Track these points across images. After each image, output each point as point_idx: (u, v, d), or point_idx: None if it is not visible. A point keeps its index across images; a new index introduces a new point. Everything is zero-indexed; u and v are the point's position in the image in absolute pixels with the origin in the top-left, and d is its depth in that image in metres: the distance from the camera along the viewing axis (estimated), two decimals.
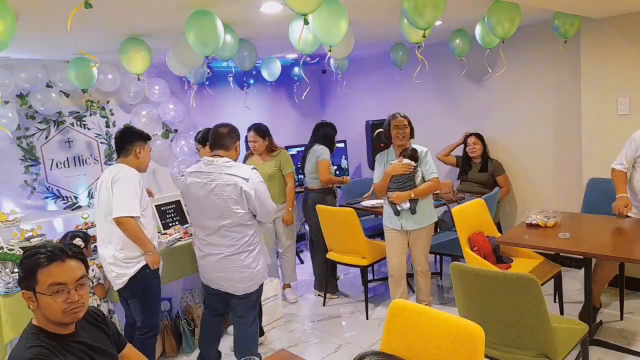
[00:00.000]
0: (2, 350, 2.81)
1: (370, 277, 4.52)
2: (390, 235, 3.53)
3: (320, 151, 4.22)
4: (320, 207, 3.96)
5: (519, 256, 3.45)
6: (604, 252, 2.68)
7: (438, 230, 4.69)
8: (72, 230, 3.26)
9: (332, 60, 4.37)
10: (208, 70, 3.92)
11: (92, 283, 3.02)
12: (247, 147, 4.25)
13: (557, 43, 4.03)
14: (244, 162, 4.20)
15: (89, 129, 4.45)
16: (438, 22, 3.59)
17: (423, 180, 3.43)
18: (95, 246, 3.05)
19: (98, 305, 3.00)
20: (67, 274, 1.50)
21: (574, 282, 4.05)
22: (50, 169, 4.24)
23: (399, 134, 3.39)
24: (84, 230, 3.34)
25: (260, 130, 4.05)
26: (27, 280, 1.48)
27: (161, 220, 3.82)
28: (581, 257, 2.88)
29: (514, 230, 3.36)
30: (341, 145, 5.93)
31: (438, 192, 4.43)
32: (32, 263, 1.48)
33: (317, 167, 4.19)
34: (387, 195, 3.45)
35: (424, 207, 3.44)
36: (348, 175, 5.62)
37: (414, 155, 3.37)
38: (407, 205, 3.35)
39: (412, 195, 3.34)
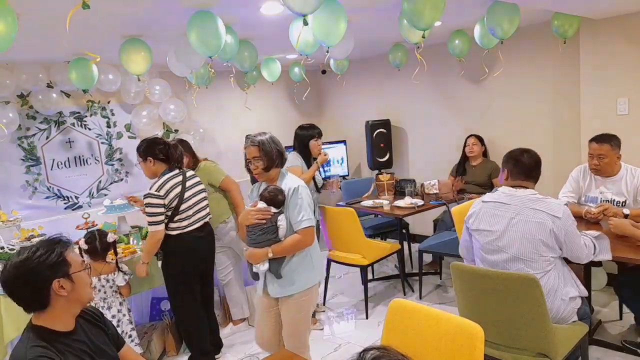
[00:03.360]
0: (2, 350, 2.82)
1: (370, 276, 4.53)
2: (257, 298, 2.60)
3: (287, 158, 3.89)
4: (321, 207, 3.97)
5: None
6: None
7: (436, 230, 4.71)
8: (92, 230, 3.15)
9: (332, 61, 4.38)
10: (212, 71, 3.91)
11: (124, 282, 3.03)
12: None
13: (556, 43, 4.04)
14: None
15: (89, 129, 4.46)
16: (437, 23, 3.60)
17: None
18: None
19: (121, 303, 3.04)
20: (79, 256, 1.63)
21: None
22: (51, 169, 4.25)
23: (252, 167, 2.48)
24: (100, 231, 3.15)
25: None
26: (60, 268, 1.51)
27: None
28: None
29: None
30: (341, 145, 5.95)
31: (438, 192, 4.45)
32: (57, 253, 1.52)
33: None
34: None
35: (295, 267, 2.44)
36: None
37: (273, 198, 2.40)
38: (265, 266, 2.40)
39: (271, 255, 2.38)
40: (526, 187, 2.45)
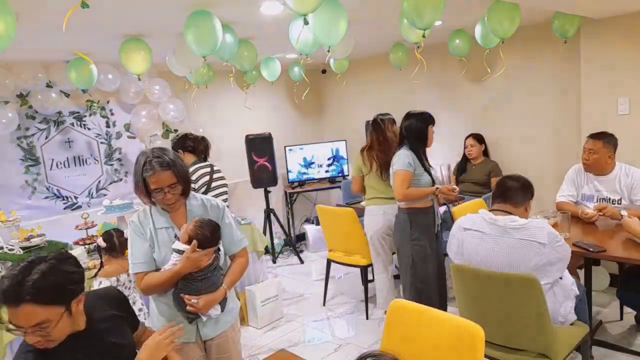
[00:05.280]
0: (1, 351, 2.81)
1: (370, 277, 4.51)
2: (184, 350, 1.95)
3: (395, 159, 3.18)
4: (320, 207, 3.95)
5: None
6: (605, 252, 2.68)
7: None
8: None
9: (332, 60, 4.37)
10: (204, 72, 3.91)
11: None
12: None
13: (557, 43, 4.03)
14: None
15: (89, 129, 4.45)
16: (438, 23, 3.59)
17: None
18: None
19: (142, 297, 2.98)
20: (21, 319, 1.35)
21: None
22: (51, 169, 4.24)
23: (164, 200, 1.92)
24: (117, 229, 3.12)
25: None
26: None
27: None
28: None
29: None
30: (342, 144, 5.94)
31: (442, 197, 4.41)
32: None
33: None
34: (184, 301, 1.91)
35: (230, 294, 2.11)
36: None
37: (212, 237, 1.95)
38: (217, 310, 2.01)
39: (228, 293, 2.05)
40: (507, 212, 2.32)
